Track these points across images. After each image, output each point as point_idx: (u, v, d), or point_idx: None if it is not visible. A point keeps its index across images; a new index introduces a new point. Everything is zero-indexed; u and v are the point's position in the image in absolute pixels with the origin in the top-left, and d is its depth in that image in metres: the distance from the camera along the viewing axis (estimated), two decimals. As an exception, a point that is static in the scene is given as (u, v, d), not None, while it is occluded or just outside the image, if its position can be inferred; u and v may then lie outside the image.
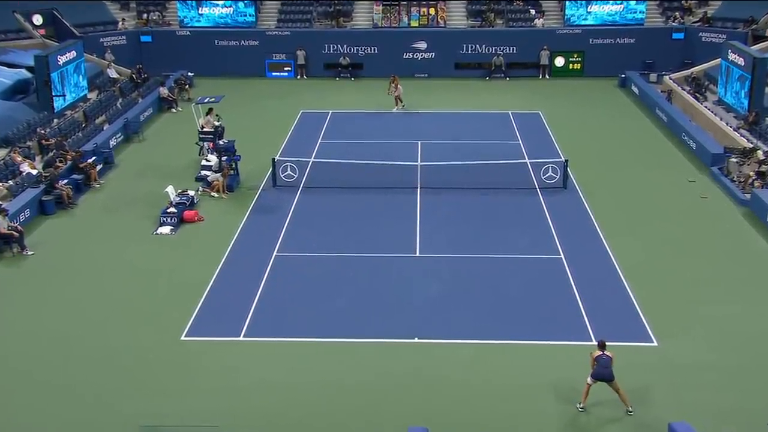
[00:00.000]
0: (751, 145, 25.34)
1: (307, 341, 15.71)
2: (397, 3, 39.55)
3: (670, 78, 35.13)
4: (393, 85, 32.87)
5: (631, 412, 13.41)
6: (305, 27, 39.78)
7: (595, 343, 14.89)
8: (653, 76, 36.74)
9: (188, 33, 39.48)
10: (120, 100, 32.70)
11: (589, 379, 13.49)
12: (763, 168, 23.20)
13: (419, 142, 28.34)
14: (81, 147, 26.15)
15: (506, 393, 14.06)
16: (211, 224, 21.61)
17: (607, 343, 13.59)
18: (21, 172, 23.58)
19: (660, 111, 31.37)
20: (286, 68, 39.53)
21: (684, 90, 33.26)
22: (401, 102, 32.97)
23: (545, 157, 25.29)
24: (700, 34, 38.07)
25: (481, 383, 14.31)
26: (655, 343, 15.50)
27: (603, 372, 13.37)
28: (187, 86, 35.65)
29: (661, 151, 27.79)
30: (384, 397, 13.99)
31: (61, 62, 29.37)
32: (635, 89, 35.32)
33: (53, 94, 28.76)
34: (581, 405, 13.55)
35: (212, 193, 23.50)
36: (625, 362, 14.67)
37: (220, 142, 24.93)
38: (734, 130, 27.40)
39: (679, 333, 15.90)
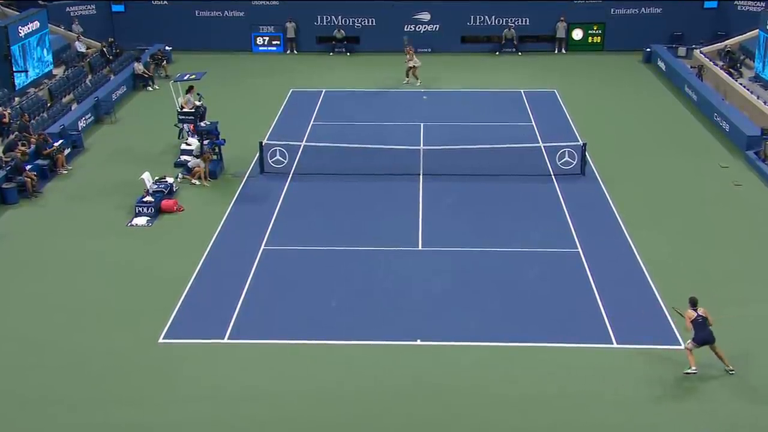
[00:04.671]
0: (790, 127, 25.41)
1: (299, 344, 15.75)
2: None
3: (701, 52, 35.10)
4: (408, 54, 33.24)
5: (732, 371, 14.43)
6: (296, -4, 39.74)
7: (617, 346, 15.09)
8: (682, 50, 36.68)
9: (166, 2, 39.34)
10: (89, 76, 32.64)
11: (689, 344, 14.33)
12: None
13: (422, 123, 28.34)
14: (46, 129, 26.12)
15: (518, 402, 14.11)
16: (192, 215, 21.63)
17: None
18: (-21, 157, 23.61)
19: (689, 89, 31.36)
20: (274, 42, 39.48)
21: (717, 65, 33.25)
22: (416, 78, 33.30)
23: (561, 141, 25.29)
24: (736, 2, 38.00)
25: (490, 390, 14.36)
26: (683, 347, 15.52)
27: (705, 336, 14.23)
28: (164, 62, 35.58)
29: (691, 133, 27.80)
30: (383, 405, 14.04)
31: (22, 34, 29.30)
32: (662, 65, 35.30)
33: (14, 69, 28.70)
34: (693, 369, 14.29)
35: (193, 181, 23.53)
36: (650, 367, 14.78)
37: (202, 124, 24.92)
38: (772, 110, 27.45)
39: (709, 335, 15.94)
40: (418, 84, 33.16)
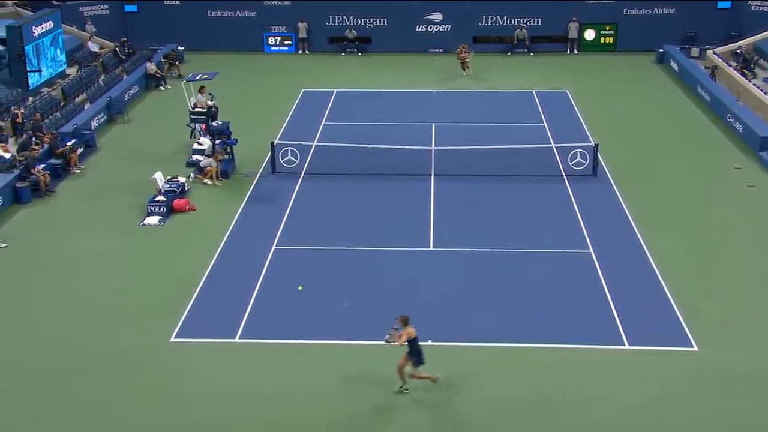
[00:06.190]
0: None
1: (310, 344, 15.77)
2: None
3: (715, 53, 34.93)
4: (465, 53, 34.64)
5: (407, 390, 14.05)
6: (307, -4, 39.78)
7: (629, 347, 15.03)
8: (695, 51, 36.52)
9: (178, 2, 39.47)
10: (102, 76, 32.78)
11: (424, 372, 13.93)
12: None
13: (433, 124, 28.33)
14: (59, 128, 26.25)
15: (529, 403, 14.06)
16: (204, 214, 21.68)
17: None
18: (-7, 157, 23.72)
19: (703, 90, 31.20)
20: (286, 42, 39.55)
21: (730, 66, 33.08)
22: (467, 68, 34.77)
23: (573, 141, 25.23)
24: (750, 2, 37.78)
25: (501, 391, 14.33)
26: (696, 349, 15.47)
27: (422, 352, 13.79)
28: (177, 61, 35.68)
29: (704, 134, 27.66)
30: (394, 405, 14.00)
31: (36, 34, 29.43)
32: (675, 65, 35.14)
33: (28, 69, 28.84)
34: (403, 387, 14.07)
35: (205, 180, 23.58)
36: (661, 369, 14.72)
37: (214, 124, 24.99)
38: (786, 111, 27.29)
39: (722, 338, 15.86)
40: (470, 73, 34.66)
